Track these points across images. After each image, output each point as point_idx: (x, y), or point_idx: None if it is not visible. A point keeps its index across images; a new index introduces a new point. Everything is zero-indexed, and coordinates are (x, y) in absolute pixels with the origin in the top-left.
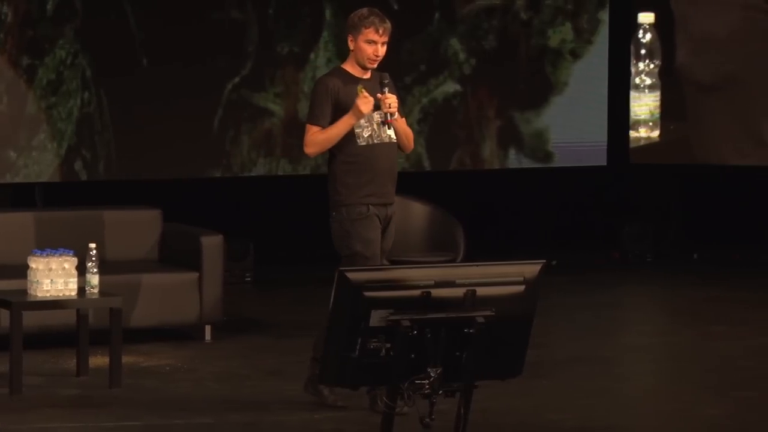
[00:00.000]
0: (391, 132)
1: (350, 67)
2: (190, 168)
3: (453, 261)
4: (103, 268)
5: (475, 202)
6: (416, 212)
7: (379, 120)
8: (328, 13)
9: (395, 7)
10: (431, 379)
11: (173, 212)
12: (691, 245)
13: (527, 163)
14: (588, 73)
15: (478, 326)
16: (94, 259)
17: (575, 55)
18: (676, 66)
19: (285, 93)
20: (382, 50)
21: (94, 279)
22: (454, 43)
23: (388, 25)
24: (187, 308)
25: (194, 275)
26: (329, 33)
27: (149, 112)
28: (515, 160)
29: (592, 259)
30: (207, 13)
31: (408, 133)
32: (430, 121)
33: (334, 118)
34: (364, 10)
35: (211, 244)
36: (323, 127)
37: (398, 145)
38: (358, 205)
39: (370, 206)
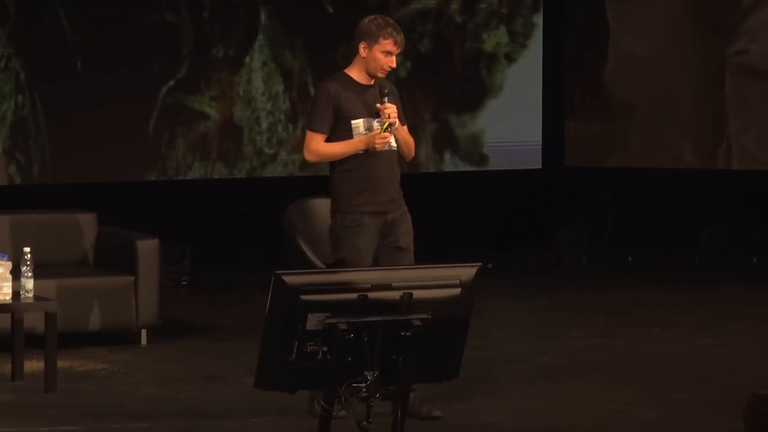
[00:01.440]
0: (391, 140)
1: (355, 74)
2: (125, 171)
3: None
4: (38, 272)
5: (411, 206)
6: None
7: (379, 129)
8: (263, 16)
9: (330, 10)
10: (368, 383)
11: (108, 216)
12: (626, 248)
13: (463, 167)
14: (523, 76)
15: (414, 329)
16: (28, 263)
17: (510, 58)
18: (606, 74)
19: (220, 96)
20: (394, 62)
21: (28, 283)
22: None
23: (402, 37)
24: (123, 312)
25: (130, 279)
26: (264, 36)
27: (84, 116)
28: (451, 163)
29: (528, 261)
30: (141, 17)
31: (409, 141)
32: None
33: (335, 125)
34: (380, 19)
35: (147, 247)
36: (323, 133)
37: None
38: (353, 213)
39: (366, 215)
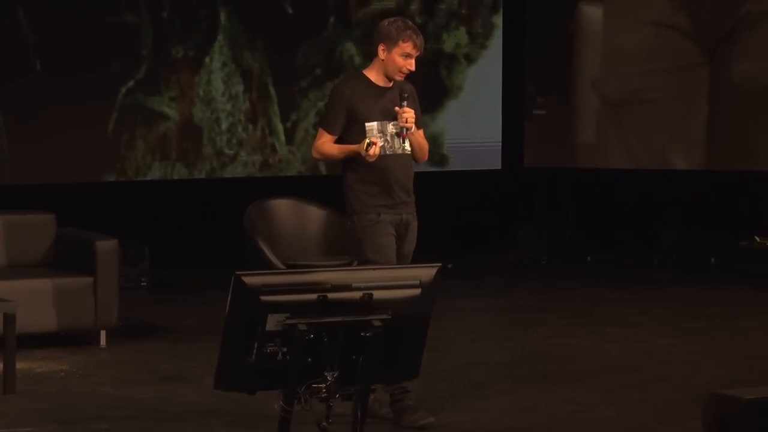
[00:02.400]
0: (405, 144)
1: (373, 75)
2: (84, 172)
3: (349, 265)
4: None
5: None
6: (312, 216)
7: (394, 131)
8: (223, 17)
9: (290, 11)
10: (328, 383)
11: (67, 217)
12: (585, 248)
13: (423, 167)
14: (482, 77)
15: (374, 329)
16: None
17: (470, 59)
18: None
19: (180, 97)
20: (413, 65)
21: None
22: (350, 47)
23: (422, 39)
24: (82, 313)
25: (89, 280)
26: (224, 36)
27: (43, 117)
28: None
29: (487, 262)
30: (101, 17)
31: (423, 145)
32: None
33: (348, 126)
34: (399, 22)
35: (106, 248)
36: (332, 134)
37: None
38: (369, 212)
39: (383, 214)
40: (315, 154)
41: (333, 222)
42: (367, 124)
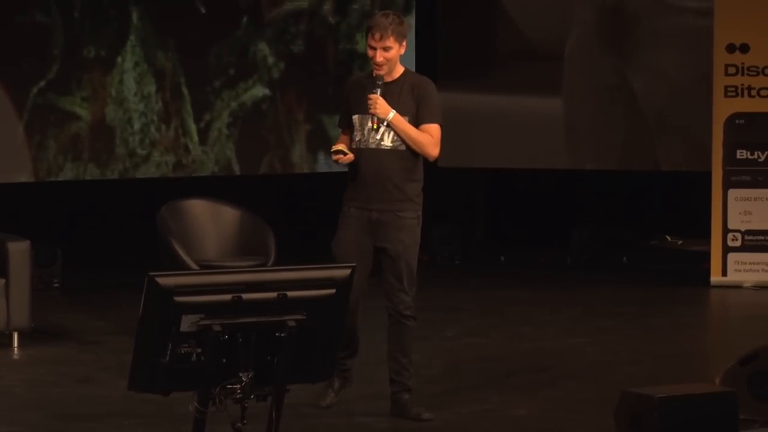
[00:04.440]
0: (379, 136)
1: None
2: None
3: (264, 265)
4: None
5: (286, 206)
6: (227, 217)
7: (369, 125)
8: (134, 17)
9: (202, 10)
10: (243, 384)
11: None
12: (498, 248)
13: (337, 167)
14: None
15: (289, 330)
16: None
17: None
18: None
19: (92, 97)
20: (380, 56)
21: None
22: (263, 47)
23: (388, 31)
24: None
25: (1, 281)
26: (136, 36)
27: None
28: (325, 164)
29: None
30: (10, 17)
31: (413, 137)
32: (239, 126)
33: (347, 119)
34: (375, 15)
35: (18, 249)
36: (342, 129)
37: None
38: (344, 205)
39: (352, 208)
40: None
41: (247, 222)
42: (353, 118)
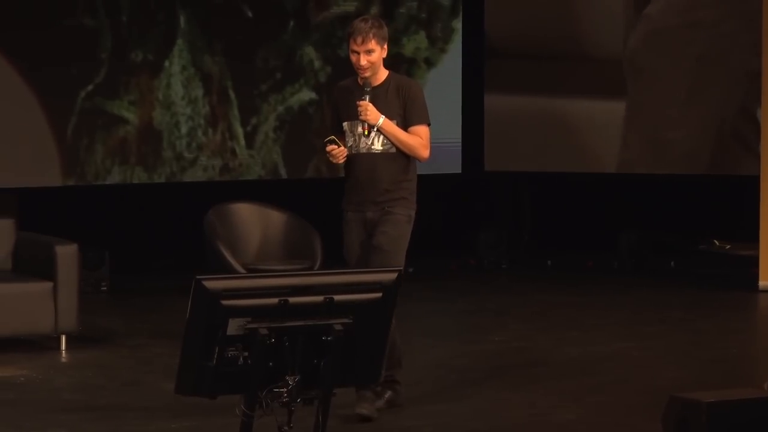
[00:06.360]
0: (370, 141)
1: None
2: (44, 176)
3: (311, 269)
4: None
5: (332, 210)
6: (273, 220)
7: (360, 131)
8: (182, 20)
9: (249, 14)
10: (289, 387)
11: (27, 221)
12: (545, 252)
13: None
14: (442, 81)
15: (335, 333)
16: None
17: (429, 63)
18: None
19: (139, 101)
20: (363, 59)
21: None
22: (309, 51)
23: (369, 35)
24: (42, 318)
25: (49, 285)
26: (184, 40)
27: (2, 120)
28: None
29: (448, 266)
30: (59, 20)
31: (402, 140)
32: (286, 129)
33: (338, 126)
34: (355, 21)
35: (66, 253)
36: (334, 136)
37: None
38: (344, 211)
39: (349, 212)
40: None
41: (294, 225)
42: (343, 124)
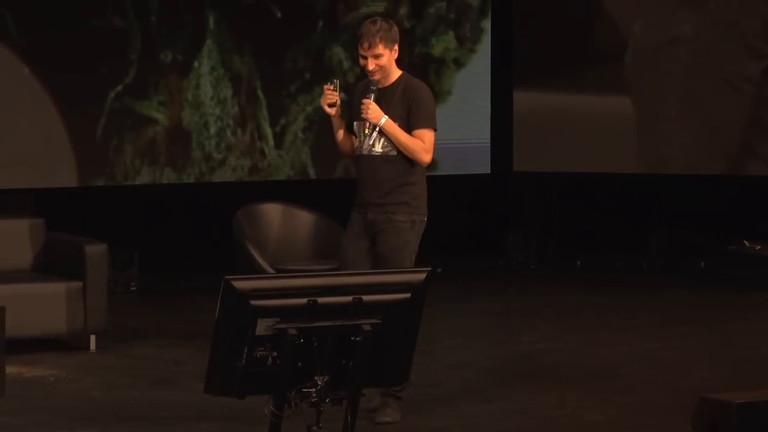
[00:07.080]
0: (371, 142)
1: None
2: (73, 177)
3: (339, 269)
4: None
5: None
6: (302, 220)
7: (364, 131)
8: (211, 21)
9: (278, 15)
10: (318, 387)
11: (57, 221)
12: (573, 253)
13: None
14: (471, 81)
15: (364, 334)
16: None
17: (458, 63)
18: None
19: (169, 101)
20: (371, 64)
21: None
22: (338, 51)
23: (376, 38)
24: (72, 318)
25: (78, 285)
26: (212, 41)
27: (31, 120)
28: None
29: (476, 266)
30: (88, 21)
31: (403, 143)
32: (315, 130)
33: (351, 124)
34: (364, 23)
35: (95, 253)
36: (349, 131)
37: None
38: (352, 211)
39: (354, 213)
40: None
41: (322, 226)
42: (354, 123)
